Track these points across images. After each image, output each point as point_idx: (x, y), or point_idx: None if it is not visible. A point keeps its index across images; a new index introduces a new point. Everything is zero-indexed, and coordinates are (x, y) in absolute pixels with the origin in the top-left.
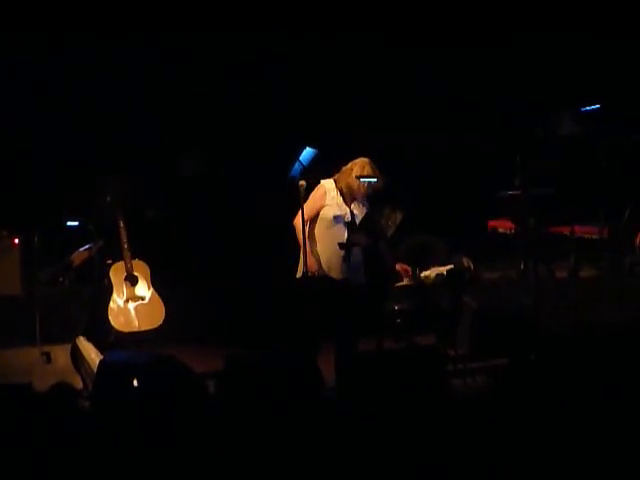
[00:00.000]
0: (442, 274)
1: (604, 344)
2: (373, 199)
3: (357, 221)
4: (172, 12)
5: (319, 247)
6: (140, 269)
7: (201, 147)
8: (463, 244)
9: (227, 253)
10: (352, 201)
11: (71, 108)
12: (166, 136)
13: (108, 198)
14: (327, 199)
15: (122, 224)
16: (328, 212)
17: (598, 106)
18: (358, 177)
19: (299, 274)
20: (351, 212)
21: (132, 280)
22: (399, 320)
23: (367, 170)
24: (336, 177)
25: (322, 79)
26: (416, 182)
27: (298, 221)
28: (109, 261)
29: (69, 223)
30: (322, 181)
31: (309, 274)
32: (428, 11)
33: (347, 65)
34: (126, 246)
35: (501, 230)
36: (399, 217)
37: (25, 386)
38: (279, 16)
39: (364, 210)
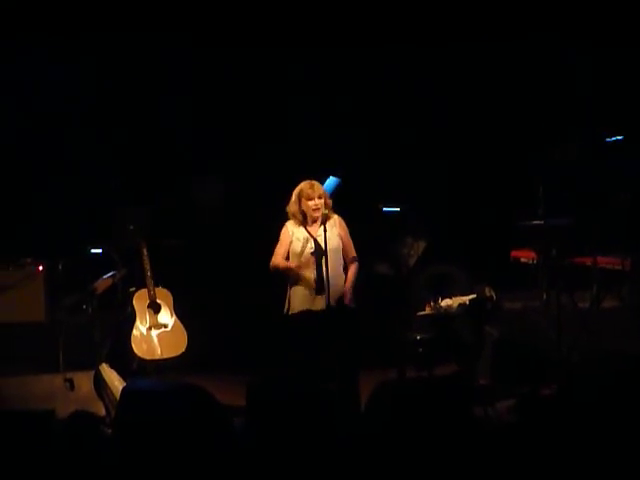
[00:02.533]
0: (464, 303)
1: (625, 375)
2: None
3: (324, 244)
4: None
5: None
6: (163, 296)
7: (216, 180)
8: (486, 274)
9: (245, 281)
10: (314, 224)
11: (95, 142)
12: (183, 169)
13: (131, 227)
14: (291, 236)
15: (145, 252)
16: (295, 247)
17: (622, 137)
18: (380, 208)
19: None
20: (314, 240)
21: (155, 308)
22: (421, 349)
23: (311, 191)
24: (290, 209)
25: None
26: (439, 212)
27: (273, 262)
28: (132, 288)
29: (93, 250)
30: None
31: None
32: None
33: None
34: (149, 274)
35: (523, 260)
36: (422, 246)
37: (48, 413)
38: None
39: (329, 228)
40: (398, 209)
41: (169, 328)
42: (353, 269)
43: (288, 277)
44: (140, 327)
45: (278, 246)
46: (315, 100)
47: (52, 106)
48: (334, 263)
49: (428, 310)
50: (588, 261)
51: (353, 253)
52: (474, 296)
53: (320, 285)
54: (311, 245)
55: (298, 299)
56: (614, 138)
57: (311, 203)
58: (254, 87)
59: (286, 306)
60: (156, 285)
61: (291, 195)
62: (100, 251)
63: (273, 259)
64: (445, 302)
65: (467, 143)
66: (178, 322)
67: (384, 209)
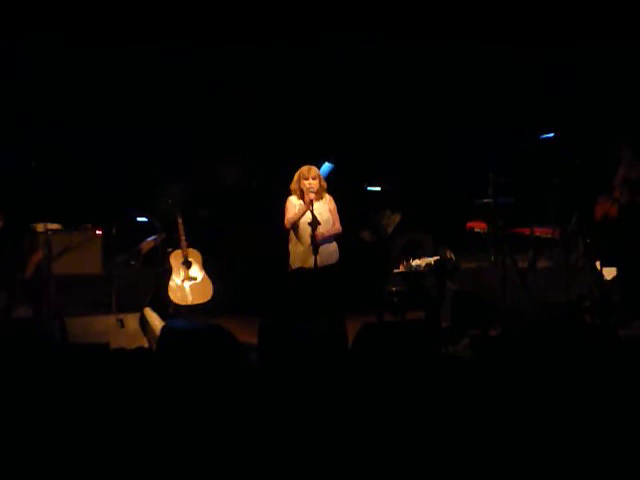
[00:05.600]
0: (430, 263)
1: (554, 318)
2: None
3: (318, 217)
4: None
5: (298, 244)
6: (194, 256)
7: (238, 164)
8: (447, 240)
9: (260, 244)
10: (309, 200)
11: (142, 134)
12: (213, 154)
13: (170, 201)
14: (294, 207)
15: (180, 220)
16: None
17: (553, 134)
18: (364, 187)
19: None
20: (312, 213)
21: (187, 264)
22: (396, 299)
23: (308, 172)
24: (292, 187)
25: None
26: (412, 192)
27: (287, 219)
28: (170, 249)
29: (139, 219)
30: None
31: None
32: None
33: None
34: (183, 237)
35: (476, 230)
36: (397, 218)
37: (103, 346)
38: None
39: (320, 206)
40: (379, 188)
41: (198, 280)
42: (334, 228)
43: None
44: (175, 279)
45: (286, 212)
46: (314, 104)
47: None
48: (321, 234)
49: (402, 268)
50: (526, 231)
51: (338, 224)
52: (438, 258)
53: (314, 247)
54: (308, 215)
55: (296, 257)
56: (547, 135)
57: (306, 182)
58: (257, 89)
59: (290, 262)
60: (188, 246)
61: (294, 176)
62: (145, 219)
63: (286, 218)
64: (415, 262)
65: (434, 137)
66: (206, 276)
67: (367, 188)
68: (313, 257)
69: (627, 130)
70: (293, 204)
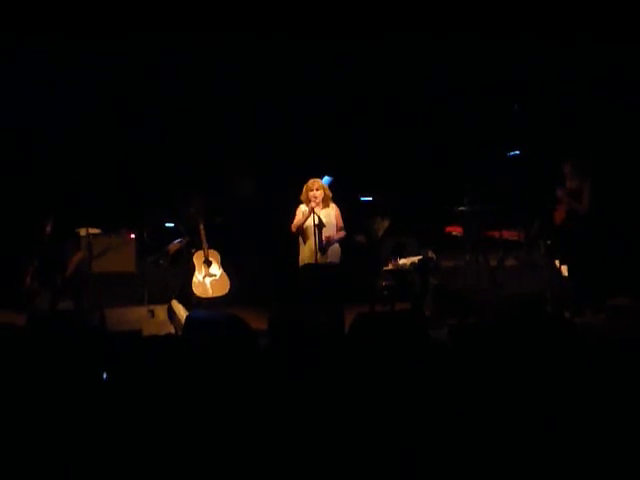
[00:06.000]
0: (414, 262)
1: (521, 309)
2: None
3: (323, 221)
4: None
5: (305, 245)
6: (213, 255)
7: (252, 176)
8: (429, 242)
9: (269, 245)
10: (317, 207)
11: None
12: (229, 168)
13: (192, 209)
14: (303, 214)
15: (202, 226)
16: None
17: (518, 152)
18: (360, 198)
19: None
20: (318, 217)
21: (208, 263)
22: (386, 292)
23: (312, 185)
24: (302, 197)
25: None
26: (399, 201)
27: (294, 223)
28: (193, 250)
29: (167, 225)
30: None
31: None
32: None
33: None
34: (204, 240)
35: (454, 233)
36: (386, 224)
37: (136, 332)
38: None
39: (326, 212)
40: (371, 198)
41: (217, 277)
42: (340, 233)
43: (303, 226)
44: (198, 276)
45: (295, 218)
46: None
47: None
48: (328, 234)
49: (390, 266)
50: (496, 234)
51: (341, 227)
52: (421, 257)
53: (320, 248)
54: (316, 220)
55: (304, 256)
56: (514, 153)
57: (311, 193)
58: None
59: (299, 260)
60: (209, 248)
61: (303, 187)
62: (172, 225)
63: (293, 223)
64: (402, 261)
65: (418, 154)
66: (223, 272)
67: (361, 198)
68: (318, 256)
69: (568, 149)
70: (301, 211)
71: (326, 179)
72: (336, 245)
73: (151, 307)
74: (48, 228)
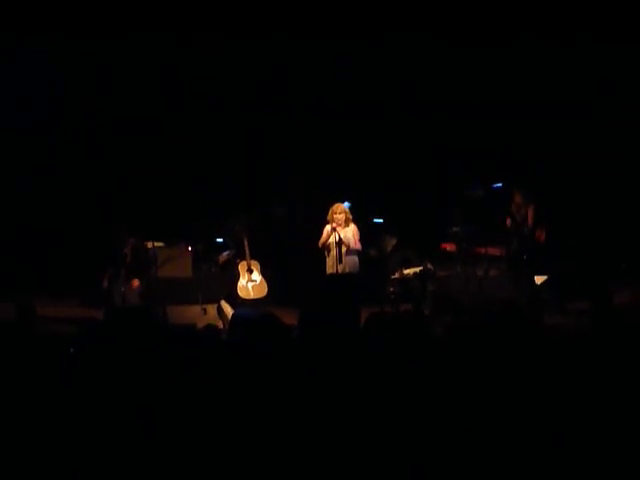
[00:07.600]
0: (416, 272)
1: (503, 311)
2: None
3: (343, 238)
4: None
5: (328, 258)
6: (255, 265)
7: (284, 202)
8: (428, 256)
9: (300, 257)
10: (339, 227)
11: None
12: (268, 195)
13: (237, 227)
14: (328, 232)
15: (246, 241)
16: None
17: (501, 185)
18: (373, 220)
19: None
20: (338, 235)
21: (250, 271)
22: (393, 296)
23: (336, 209)
24: (328, 218)
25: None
26: (404, 223)
27: (320, 241)
28: (238, 260)
29: (218, 240)
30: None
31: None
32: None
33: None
34: (247, 252)
35: (448, 249)
36: (394, 241)
37: (191, 326)
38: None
39: (345, 230)
40: (381, 220)
41: (257, 282)
42: (356, 246)
43: (327, 242)
44: (242, 281)
45: (322, 237)
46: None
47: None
48: (347, 247)
49: (397, 275)
50: (483, 250)
51: (358, 243)
52: (422, 268)
53: (339, 259)
54: (336, 238)
55: (328, 266)
56: (497, 185)
57: (335, 216)
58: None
59: (326, 270)
60: (251, 258)
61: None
62: (221, 240)
63: (320, 240)
64: (406, 271)
65: (421, 187)
66: (263, 279)
67: (374, 220)
68: (339, 266)
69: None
70: (327, 230)
71: (346, 204)
72: (355, 258)
73: (204, 306)
74: (130, 241)
